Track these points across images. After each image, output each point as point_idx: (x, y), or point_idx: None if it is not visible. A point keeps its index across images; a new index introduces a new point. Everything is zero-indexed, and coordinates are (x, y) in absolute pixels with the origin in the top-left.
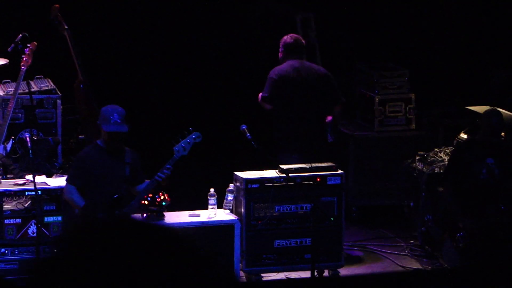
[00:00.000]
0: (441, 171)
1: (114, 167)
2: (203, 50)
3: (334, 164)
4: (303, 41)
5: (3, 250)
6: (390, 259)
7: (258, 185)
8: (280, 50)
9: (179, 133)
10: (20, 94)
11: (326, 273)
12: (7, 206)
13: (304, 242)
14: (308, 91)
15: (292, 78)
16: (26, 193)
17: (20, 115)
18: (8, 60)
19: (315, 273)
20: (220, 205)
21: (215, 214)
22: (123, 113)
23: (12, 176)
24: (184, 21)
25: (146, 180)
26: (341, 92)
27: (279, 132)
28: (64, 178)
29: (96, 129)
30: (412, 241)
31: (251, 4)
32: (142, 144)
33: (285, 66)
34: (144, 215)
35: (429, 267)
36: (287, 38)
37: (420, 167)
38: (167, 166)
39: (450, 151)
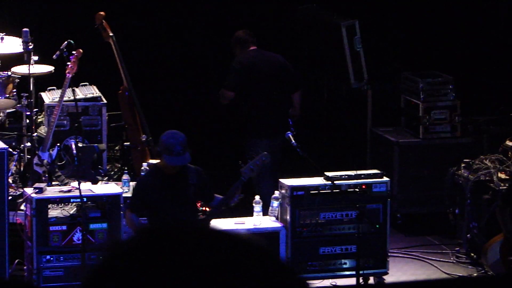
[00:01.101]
0: (503, 188)
1: (176, 190)
2: None
3: (379, 172)
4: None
5: (48, 257)
6: (435, 266)
7: (303, 192)
8: (235, 46)
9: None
10: (65, 101)
11: (371, 280)
12: (52, 213)
13: (349, 249)
14: (269, 77)
15: (253, 64)
16: (71, 200)
17: (65, 122)
18: (53, 68)
19: (360, 280)
20: (265, 213)
21: (260, 222)
22: (184, 142)
23: (57, 183)
24: (228, 30)
25: (217, 196)
26: (300, 78)
27: (248, 119)
28: (109, 185)
29: (138, 135)
30: (457, 248)
31: (298, 13)
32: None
33: (245, 55)
34: None
35: (474, 274)
36: (237, 33)
37: (465, 174)
38: (236, 189)
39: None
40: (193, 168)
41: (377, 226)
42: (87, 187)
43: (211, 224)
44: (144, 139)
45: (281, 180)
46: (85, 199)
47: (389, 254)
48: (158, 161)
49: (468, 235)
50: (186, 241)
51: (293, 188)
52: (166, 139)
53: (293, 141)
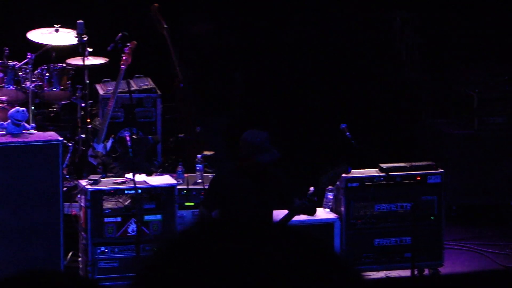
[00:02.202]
0: None
1: (254, 192)
2: (303, 50)
3: (434, 163)
4: None
5: (103, 248)
6: (491, 258)
7: (358, 183)
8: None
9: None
10: (120, 93)
11: (426, 272)
12: (107, 205)
13: (404, 241)
14: None
15: None
16: (125, 191)
17: (119, 114)
18: (108, 59)
19: (415, 272)
20: (320, 204)
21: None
22: (269, 138)
23: (111, 174)
24: (290, 22)
25: (296, 200)
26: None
27: None
28: (164, 177)
29: (192, 127)
30: None
31: (352, 5)
32: None
33: None
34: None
35: None
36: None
37: None
38: (314, 198)
39: None
40: (273, 170)
41: (432, 217)
42: (141, 179)
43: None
44: (198, 130)
45: None
46: (139, 191)
47: (444, 245)
48: (212, 152)
49: None
50: (245, 233)
51: (348, 180)
52: (252, 139)
53: (348, 132)
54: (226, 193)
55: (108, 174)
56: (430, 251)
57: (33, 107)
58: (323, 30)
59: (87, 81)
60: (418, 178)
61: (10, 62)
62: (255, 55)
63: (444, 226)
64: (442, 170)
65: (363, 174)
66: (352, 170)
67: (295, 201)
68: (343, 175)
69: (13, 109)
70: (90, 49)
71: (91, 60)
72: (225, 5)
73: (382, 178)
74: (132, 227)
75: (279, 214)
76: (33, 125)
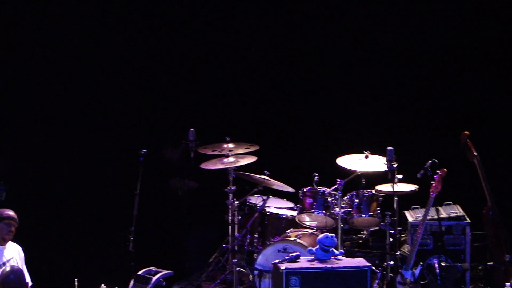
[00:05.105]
0: None
1: None
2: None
3: None
4: None
5: None
6: None
7: None
8: None
9: None
10: (428, 220)
11: None
12: None
13: None
14: None
15: None
16: None
17: (428, 241)
18: (417, 186)
19: None
20: None
21: None
22: None
23: None
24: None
25: None
26: None
27: None
28: None
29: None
30: None
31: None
32: None
33: None
34: None
35: None
36: None
37: None
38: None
39: None
40: None
41: None
42: None
43: None
44: (507, 259)
45: None
46: None
47: None
48: None
49: None
50: None
51: None
52: None
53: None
54: None
55: None
56: None
57: (341, 233)
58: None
59: (396, 208)
60: None
61: (320, 188)
62: None
63: None
64: None
65: None
66: None
67: None
68: None
69: (322, 235)
70: (399, 176)
71: (401, 187)
72: None
73: None
74: None
75: None
76: (342, 251)
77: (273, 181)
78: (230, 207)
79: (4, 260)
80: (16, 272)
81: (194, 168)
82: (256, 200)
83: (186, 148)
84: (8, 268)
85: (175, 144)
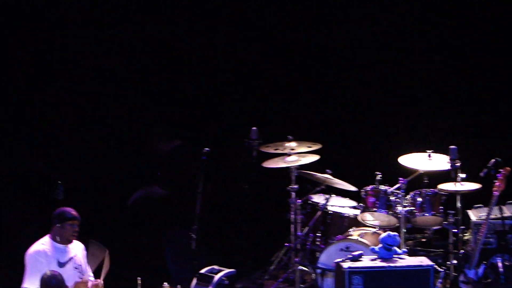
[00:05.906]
0: None
1: None
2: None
3: None
4: None
5: None
6: None
7: None
8: None
9: None
10: (492, 219)
11: None
12: None
13: None
14: None
15: None
16: None
17: (492, 240)
18: (481, 185)
19: None
20: None
21: None
22: None
23: None
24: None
25: None
26: None
27: None
28: None
29: None
30: None
31: None
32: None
33: None
34: None
35: None
36: None
37: None
38: None
39: None
40: None
41: None
42: None
43: None
44: None
45: None
46: None
47: None
48: None
49: None
50: None
51: None
52: None
53: None
54: None
55: None
56: None
57: (404, 231)
58: None
59: (460, 207)
60: None
61: (382, 187)
62: None
63: None
64: None
65: None
66: None
67: None
68: None
69: (385, 234)
70: (463, 175)
71: (464, 186)
72: None
73: None
74: None
75: None
76: (405, 250)
77: (336, 179)
78: (292, 205)
79: (68, 257)
80: (57, 277)
81: (256, 166)
82: (318, 198)
83: (249, 147)
84: (48, 273)
85: (168, 140)
